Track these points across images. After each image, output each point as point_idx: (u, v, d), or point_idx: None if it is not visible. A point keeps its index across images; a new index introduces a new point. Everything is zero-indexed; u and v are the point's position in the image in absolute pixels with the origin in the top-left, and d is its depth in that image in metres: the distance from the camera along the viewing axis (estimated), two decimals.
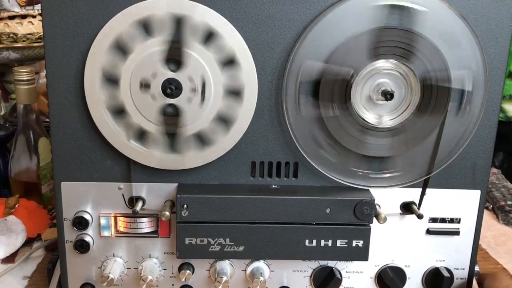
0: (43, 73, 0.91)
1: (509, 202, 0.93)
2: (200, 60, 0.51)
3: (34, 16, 0.96)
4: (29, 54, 0.96)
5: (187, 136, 0.54)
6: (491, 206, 0.94)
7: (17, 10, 0.97)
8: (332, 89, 0.52)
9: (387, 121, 0.54)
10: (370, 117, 0.54)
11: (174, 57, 0.51)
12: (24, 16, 0.96)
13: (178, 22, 0.50)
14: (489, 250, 0.80)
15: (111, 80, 0.52)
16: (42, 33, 0.95)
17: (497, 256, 0.78)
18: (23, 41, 0.94)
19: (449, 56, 0.51)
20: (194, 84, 0.52)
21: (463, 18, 0.51)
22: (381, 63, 0.52)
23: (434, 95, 0.53)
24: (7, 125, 0.90)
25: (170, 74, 0.51)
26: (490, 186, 0.99)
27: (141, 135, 0.53)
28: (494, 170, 1.08)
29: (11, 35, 0.93)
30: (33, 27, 0.95)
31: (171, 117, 0.53)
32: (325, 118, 0.53)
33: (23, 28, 0.95)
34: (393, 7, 0.50)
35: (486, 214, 0.92)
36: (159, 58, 0.51)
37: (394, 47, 0.51)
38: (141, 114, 0.52)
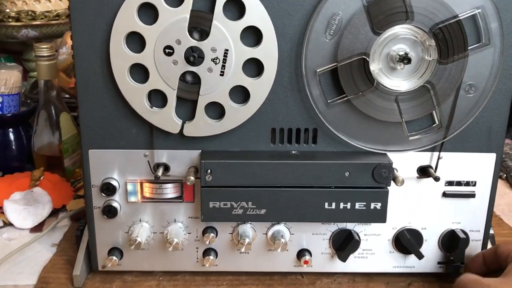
0: (62, 50, 0.92)
1: None
2: (223, 30, 0.52)
3: None
4: (47, 32, 0.98)
5: (208, 104, 0.55)
6: (505, 175, 0.95)
7: None
8: (351, 73, 0.53)
9: (414, 82, 0.54)
10: (395, 83, 0.54)
11: (200, 26, 0.52)
12: None
13: None
14: (503, 217, 0.81)
15: (136, 46, 0.53)
16: (59, 11, 0.97)
17: (511, 222, 0.80)
18: (41, 18, 0.96)
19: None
20: (216, 54, 0.53)
21: None
22: (389, 32, 0.53)
23: (449, 39, 0.52)
24: (28, 101, 0.92)
25: (194, 43, 0.52)
26: (503, 156, 1.00)
27: (164, 102, 0.55)
28: (507, 141, 1.09)
29: (30, 12, 0.94)
30: (51, 4, 0.97)
31: (192, 85, 0.54)
32: (352, 99, 0.54)
33: (41, 6, 0.96)
34: None
35: (500, 183, 0.93)
36: (185, 25, 0.52)
37: (394, 14, 0.52)
38: (163, 80, 0.54)
